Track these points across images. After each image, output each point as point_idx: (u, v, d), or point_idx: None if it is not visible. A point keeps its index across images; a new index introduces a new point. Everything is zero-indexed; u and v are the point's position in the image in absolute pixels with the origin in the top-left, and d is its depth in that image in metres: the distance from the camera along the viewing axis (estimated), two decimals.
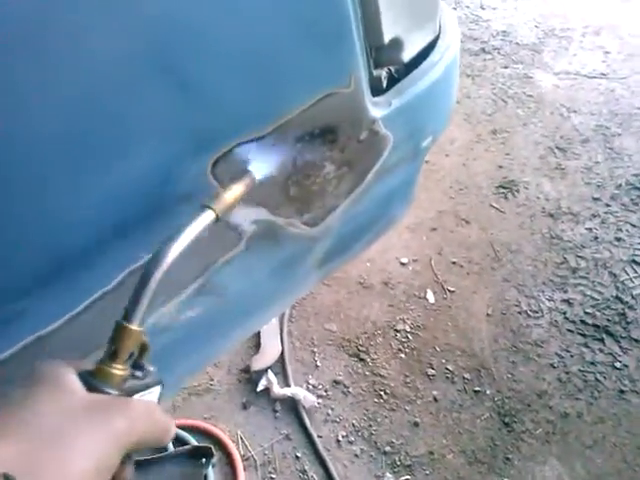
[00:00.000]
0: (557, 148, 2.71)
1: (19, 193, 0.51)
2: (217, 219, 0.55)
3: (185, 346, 0.79)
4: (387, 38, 0.69)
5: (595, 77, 3.09)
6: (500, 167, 2.64)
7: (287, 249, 0.79)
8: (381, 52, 0.71)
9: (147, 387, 0.48)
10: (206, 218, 0.54)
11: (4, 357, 0.58)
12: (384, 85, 0.74)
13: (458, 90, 3.02)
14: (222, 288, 0.76)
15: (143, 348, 0.47)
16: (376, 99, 0.73)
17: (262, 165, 0.65)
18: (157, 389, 0.49)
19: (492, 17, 3.63)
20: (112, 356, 0.45)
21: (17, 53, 0.44)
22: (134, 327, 0.46)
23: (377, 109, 0.73)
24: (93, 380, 0.43)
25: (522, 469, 1.72)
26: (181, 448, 1.67)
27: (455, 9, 3.70)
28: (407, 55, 0.74)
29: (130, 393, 0.46)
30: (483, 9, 3.71)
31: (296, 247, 0.80)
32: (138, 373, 0.47)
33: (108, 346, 0.45)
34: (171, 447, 1.67)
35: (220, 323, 0.82)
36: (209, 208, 0.55)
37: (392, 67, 0.74)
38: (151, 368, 0.48)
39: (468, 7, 3.73)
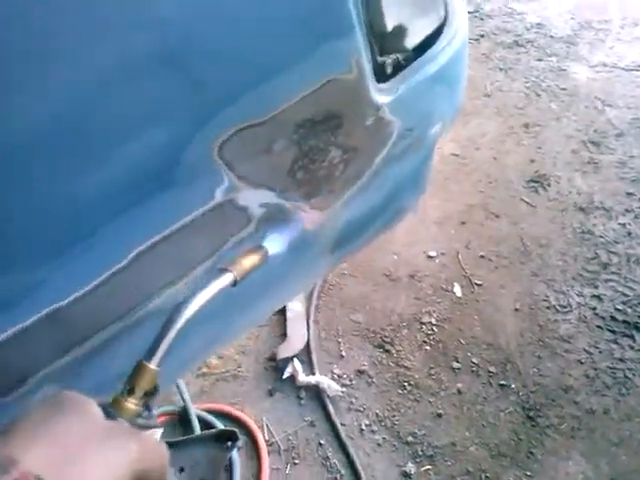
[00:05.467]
0: (590, 142, 2.66)
1: (37, 172, 0.55)
2: (235, 282, 0.62)
3: (196, 326, 0.82)
4: (390, 25, 0.72)
5: (633, 70, 3.01)
6: (532, 161, 2.61)
7: (300, 231, 0.82)
8: (385, 39, 0.74)
9: (150, 428, 0.51)
10: (225, 279, 0.62)
11: (27, 325, 0.63)
12: (389, 72, 0.76)
13: (490, 83, 2.98)
14: None
15: (154, 390, 0.52)
16: (381, 85, 0.75)
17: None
18: (159, 432, 0.52)
19: (527, 10, 3.57)
20: (129, 391, 0.50)
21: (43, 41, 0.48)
22: (152, 367, 0.52)
23: (382, 95, 0.75)
24: (110, 410, 0.48)
25: (545, 464, 1.71)
26: (207, 431, 1.71)
27: (489, 1, 3.66)
28: (412, 42, 0.76)
29: (138, 427, 0.50)
30: (518, 2, 3.66)
31: (305, 231, 0.83)
32: (145, 413, 0.51)
33: (126, 381, 0.51)
34: (197, 430, 1.73)
35: (232, 305, 0.86)
36: (228, 271, 0.62)
37: (398, 54, 0.77)
38: (155, 412, 0.53)
39: None
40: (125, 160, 0.60)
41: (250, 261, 0.66)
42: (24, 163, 0.53)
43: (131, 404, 0.49)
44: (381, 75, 0.75)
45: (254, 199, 0.74)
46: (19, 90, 0.50)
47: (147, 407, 0.52)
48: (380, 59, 0.75)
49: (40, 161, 0.54)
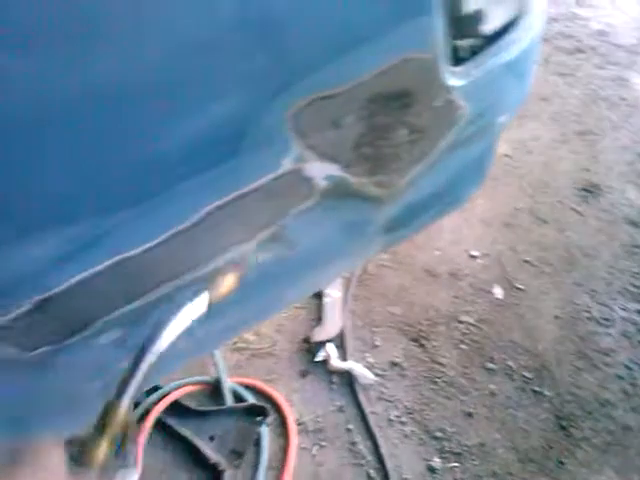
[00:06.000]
0: None
1: (118, 127, 0.58)
2: (209, 305, 0.59)
3: (250, 291, 0.85)
4: (469, 9, 0.72)
5: None
6: (584, 169, 2.56)
7: (356, 209, 0.83)
8: (462, 22, 0.74)
9: (126, 468, 0.51)
10: (189, 317, 0.59)
11: (94, 272, 0.65)
12: (463, 56, 0.76)
13: (548, 88, 2.93)
14: (291, 239, 0.81)
15: (127, 429, 0.50)
16: (455, 69, 0.76)
17: None
18: (134, 473, 0.50)
19: (590, 15, 3.49)
20: (100, 433, 0.48)
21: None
22: (122, 407, 0.49)
23: (455, 78, 0.76)
24: (78, 456, 0.46)
25: (576, 475, 1.69)
26: (239, 404, 1.76)
27: (553, 4, 3.58)
28: (488, 28, 0.76)
29: (112, 471, 0.48)
30: (581, 7, 3.57)
31: (365, 208, 0.84)
32: (120, 453, 0.49)
33: (96, 423, 0.48)
34: (230, 402, 1.77)
35: (285, 274, 0.88)
36: (204, 292, 0.60)
37: (473, 39, 0.77)
38: (132, 451, 0.50)
39: (565, 3, 3.60)
40: (206, 121, 0.62)
41: (227, 283, 0.64)
42: (115, 116, 0.56)
43: (101, 449, 0.47)
44: (455, 58, 0.75)
45: (319, 171, 0.76)
46: (116, 43, 0.52)
47: (121, 447, 0.49)
48: (456, 42, 0.75)
49: (129, 117, 0.57)
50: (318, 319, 2.03)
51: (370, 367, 1.90)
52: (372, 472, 1.68)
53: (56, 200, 0.56)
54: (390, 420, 1.79)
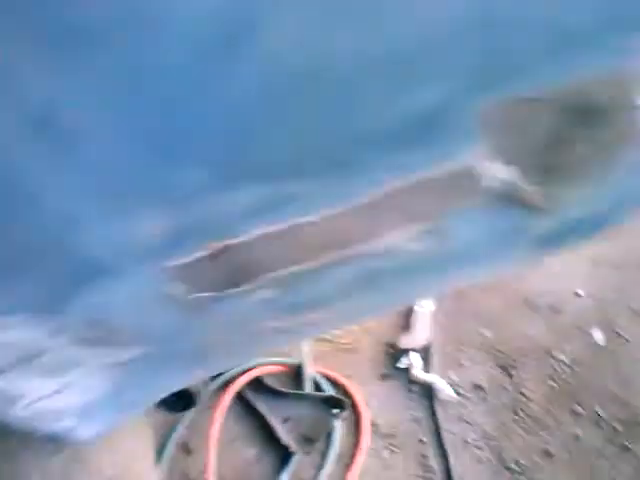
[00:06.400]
0: None
1: (344, 98, 0.58)
2: None
3: (397, 278, 0.84)
4: None
5: None
6: None
7: (517, 216, 0.81)
8: None
9: None
10: None
11: (272, 230, 0.67)
12: None
13: None
14: (447, 234, 0.80)
15: None
16: None
17: None
18: None
19: None
20: None
21: None
22: None
23: None
24: None
25: None
26: (318, 393, 1.76)
27: None
28: None
29: None
30: None
31: (526, 217, 0.81)
32: None
33: None
34: (308, 388, 1.78)
35: (431, 267, 0.87)
36: None
37: None
38: None
39: None
40: (415, 104, 0.61)
41: None
42: (348, 88, 0.56)
43: None
44: None
45: (492, 172, 0.74)
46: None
47: None
48: None
49: (358, 90, 0.57)
50: (405, 326, 2.01)
51: (452, 385, 1.86)
52: None
53: (267, 156, 0.58)
54: (466, 442, 1.75)
